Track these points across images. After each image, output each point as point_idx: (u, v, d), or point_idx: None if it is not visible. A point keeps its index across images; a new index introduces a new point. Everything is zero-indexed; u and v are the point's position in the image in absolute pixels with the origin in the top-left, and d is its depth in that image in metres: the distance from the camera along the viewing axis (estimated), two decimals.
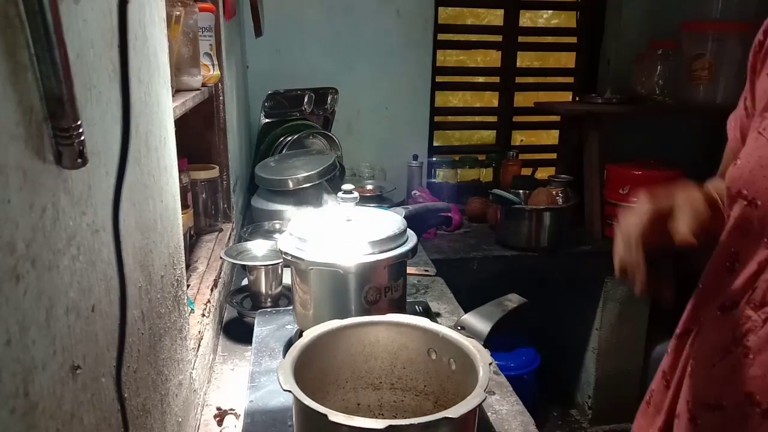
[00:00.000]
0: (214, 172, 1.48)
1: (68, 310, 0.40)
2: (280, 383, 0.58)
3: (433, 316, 1.27)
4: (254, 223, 1.68)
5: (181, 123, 0.95)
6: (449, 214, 1.45)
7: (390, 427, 0.51)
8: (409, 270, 1.29)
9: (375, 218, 0.99)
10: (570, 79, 2.88)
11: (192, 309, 1.07)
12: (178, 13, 1.08)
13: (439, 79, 2.69)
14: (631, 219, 0.70)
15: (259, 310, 1.20)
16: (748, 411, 0.65)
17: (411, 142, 2.58)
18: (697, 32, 2.38)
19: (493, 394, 1.04)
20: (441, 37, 2.64)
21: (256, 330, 1.11)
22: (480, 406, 0.57)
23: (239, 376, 1.10)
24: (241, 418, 0.90)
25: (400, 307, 0.97)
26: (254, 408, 0.88)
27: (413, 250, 0.95)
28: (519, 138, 3.13)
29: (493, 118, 2.87)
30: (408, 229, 0.98)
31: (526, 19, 2.95)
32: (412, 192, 2.42)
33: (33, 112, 0.35)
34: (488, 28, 2.89)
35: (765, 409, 0.64)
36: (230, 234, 1.54)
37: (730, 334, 0.68)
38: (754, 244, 0.66)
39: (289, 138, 2.00)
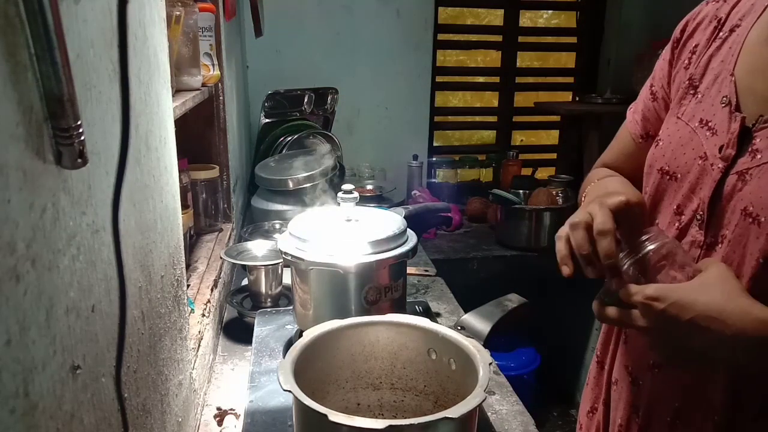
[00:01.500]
0: (214, 172, 1.48)
1: (68, 310, 0.40)
2: (280, 383, 0.58)
3: (433, 316, 1.27)
4: (254, 223, 1.68)
5: (181, 123, 0.95)
6: (449, 214, 1.45)
7: (390, 427, 0.51)
8: (409, 270, 1.30)
9: (375, 218, 0.98)
10: (570, 79, 2.88)
11: (192, 309, 1.07)
12: (178, 13, 1.08)
13: (439, 79, 2.69)
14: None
15: (259, 310, 1.20)
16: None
17: (411, 142, 2.58)
18: None
19: (493, 394, 1.04)
20: (441, 37, 2.64)
21: (256, 330, 1.11)
22: (480, 406, 0.57)
23: (239, 376, 1.10)
24: (241, 418, 0.90)
25: (400, 307, 0.97)
26: (254, 408, 0.88)
27: (413, 250, 0.95)
28: (519, 138, 3.14)
29: (493, 118, 2.87)
30: (408, 229, 0.98)
31: (526, 19, 2.95)
32: (412, 192, 2.42)
33: (33, 112, 0.35)
34: (488, 28, 2.89)
35: None
36: (230, 234, 1.54)
37: None
38: (670, 213, 0.75)
39: (289, 138, 2.00)
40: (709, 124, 0.71)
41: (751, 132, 0.67)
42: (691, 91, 0.76)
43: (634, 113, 0.90)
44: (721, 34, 0.75)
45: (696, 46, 0.78)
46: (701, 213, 0.70)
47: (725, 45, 0.73)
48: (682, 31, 0.82)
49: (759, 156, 0.65)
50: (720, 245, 0.68)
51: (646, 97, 0.87)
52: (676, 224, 0.73)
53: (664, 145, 0.77)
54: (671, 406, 0.74)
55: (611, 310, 0.66)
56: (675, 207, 0.74)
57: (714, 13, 0.77)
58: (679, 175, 0.74)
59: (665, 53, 0.84)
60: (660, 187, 0.77)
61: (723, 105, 0.70)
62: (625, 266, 0.67)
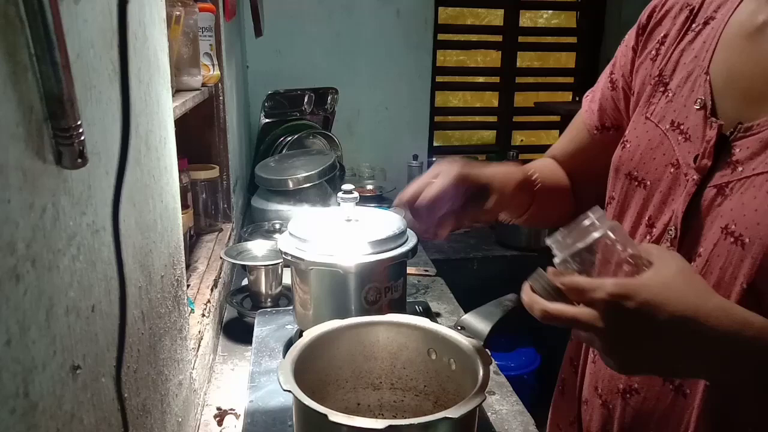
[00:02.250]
0: (214, 172, 1.48)
1: (68, 310, 0.40)
2: (280, 383, 0.58)
3: (433, 316, 1.27)
4: (254, 223, 1.68)
5: (181, 123, 0.95)
6: None
7: (390, 427, 0.51)
8: (409, 270, 1.29)
9: (375, 218, 0.98)
10: (570, 79, 2.88)
11: (192, 309, 1.07)
12: (178, 13, 1.08)
13: (439, 79, 2.69)
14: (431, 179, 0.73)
15: (259, 310, 1.20)
16: (664, 391, 0.64)
17: (411, 142, 2.58)
18: None
19: (493, 394, 1.04)
20: (441, 37, 2.64)
21: (256, 330, 1.11)
22: (480, 406, 0.57)
23: (239, 376, 1.10)
24: (241, 418, 0.90)
25: (400, 307, 0.97)
26: (254, 408, 0.88)
27: (413, 250, 0.95)
28: (519, 138, 3.13)
29: (493, 118, 2.87)
30: (408, 229, 0.98)
31: (526, 19, 2.95)
32: None
33: (33, 112, 0.35)
34: (488, 28, 2.89)
35: (678, 386, 0.63)
36: (230, 234, 1.54)
37: None
38: (641, 225, 0.69)
39: (289, 138, 2.00)
40: (681, 127, 0.65)
41: (729, 141, 0.60)
42: (661, 89, 0.69)
43: (590, 102, 0.83)
44: (693, 26, 0.68)
45: (665, 36, 0.71)
46: (673, 228, 0.63)
47: (699, 38, 0.67)
48: (649, 16, 0.75)
49: (740, 169, 0.58)
50: (693, 263, 0.61)
51: (605, 86, 0.80)
52: (647, 237, 0.67)
53: (632, 148, 0.71)
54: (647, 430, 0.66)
55: (558, 308, 0.56)
56: (647, 218, 0.68)
57: (685, 0, 0.70)
58: (648, 182, 0.68)
59: (628, 39, 0.78)
60: (628, 193, 0.71)
61: (697, 108, 0.64)
62: (561, 258, 0.58)
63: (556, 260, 0.59)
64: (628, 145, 0.72)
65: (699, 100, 0.64)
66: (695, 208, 0.61)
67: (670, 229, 0.64)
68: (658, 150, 0.67)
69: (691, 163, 0.63)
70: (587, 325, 0.53)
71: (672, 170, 0.65)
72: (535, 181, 0.81)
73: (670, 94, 0.68)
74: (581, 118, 0.85)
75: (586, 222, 0.57)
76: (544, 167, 0.88)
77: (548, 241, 0.60)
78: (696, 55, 0.66)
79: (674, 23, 0.70)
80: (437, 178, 0.72)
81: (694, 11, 0.68)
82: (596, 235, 0.56)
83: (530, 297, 0.59)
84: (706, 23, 0.67)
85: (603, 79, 0.81)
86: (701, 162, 0.61)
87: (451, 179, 0.71)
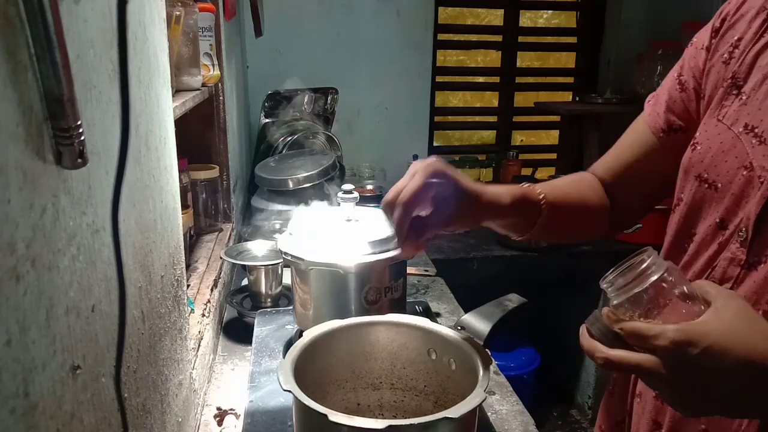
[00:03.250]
0: (214, 172, 1.48)
1: (68, 310, 0.40)
2: (280, 383, 0.58)
3: (433, 316, 1.27)
4: (254, 223, 1.68)
5: (181, 123, 0.95)
6: None
7: (390, 427, 0.51)
8: (409, 270, 1.29)
9: (375, 218, 0.98)
10: (570, 79, 2.88)
11: (192, 309, 1.07)
12: (178, 13, 1.08)
13: (439, 79, 2.69)
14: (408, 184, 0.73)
15: (259, 310, 1.20)
16: None
17: (411, 142, 2.58)
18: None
19: (493, 394, 1.04)
20: (441, 37, 2.64)
21: (256, 330, 1.11)
22: (480, 406, 0.57)
23: (239, 376, 1.10)
24: (241, 418, 0.90)
25: (400, 307, 0.97)
26: (254, 408, 0.88)
27: None
28: (519, 138, 3.13)
29: (493, 118, 2.87)
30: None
31: (526, 19, 2.95)
32: None
33: (33, 112, 0.35)
34: (488, 28, 2.89)
35: None
36: (230, 234, 1.54)
37: None
38: (711, 226, 0.68)
39: (289, 138, 2.00)
40: (756, 130, 0.64)
41: None
42: (734, 91, 0.69)
43: (654, 105, 0.82)
44: None
45: (739, 39, 0.70)
46: (744, 230, 0.63)
47: None
48: (723, 19, 0.74)
49: None
50: (762, 265, 0.61)
51: (672, 88, 0.79)
52: (719, 239, 0.67)
53: (703, 150, 0.70)
54: (696, 428, 0.67)
55: (621, 355, 0.55)
56: (718, 221, 0.67)
57: (762, 4, 0.69)
58: (719, 185, 0.67)
59: (700, 41, 0.76)
60: (697, 196, 0.70)
61: None
62: (618, 302, 0.57)
63: (612, 303, 0.58)
64: (698, 147, 0.71)
65: None
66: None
67: (741, 231, 0.64)
68: (731, 153, 0.67)
69: (766, 165, 0.62)
70: (651, 372, 0.53)
71: (745, 173, 0.65)
72: (541, 199, 0.80)
73: (744, 97, 0.67)
74: (643, 122, 0.83)
75: (642, 265, 0.56)
76: (568, 185, 0.87)
77: (602, 284, 0.59)
78: None
79: (750, 26, 0.70)
80: (414, 176, 0.73)
81: None
82: (653, 278, 0.55)
83: (590, 343, 0.58)
84: None
85: (669, 81, 0.81)
86: None
87: (427, 173, 0.71)
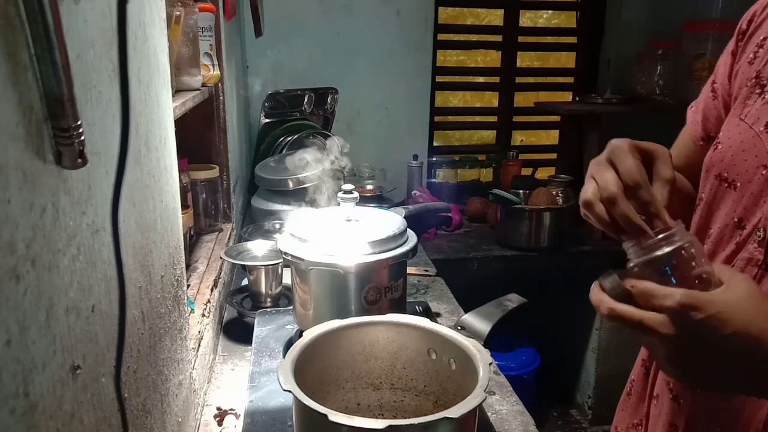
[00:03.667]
0: (214, 172, 1.48)
1: (68, 310, 0.40)
2: (280, 383, 0.58)
3: (433, 316, 1.27)
4: (254, 223, 1.68)
5: (181, 123, 0.95)
6: (449, 214, 1.45)
7: (390, 427, 0.51)
8: (409, 270, 1.29)
9: (375, 218, 0.98)
10: (570, 79, 2.88)
11: (192, 309, 1.07)
12: (178, 13, 1.08)
13: (439, 79, 2.69)
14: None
15: (259, 310, 1.20)
16: None
17: (411, 142, 2.58)
18: (697, 32, 2.38)
19: (493, 394, 1.04)
20: (441, 37, 2.64)
21: (256, 330, 1.11)
22: (480, 406, 0.57)
23: (239, 376, 1.10)
24: (241, 418, 0.90)
25: (400, 307, 0.97)
26: (254, 408, 0.88)
27: (413, 250, 0.95)
28: (519, 138, 3.13)
29: (493, 118, 2.87)
30: (408, 229, 0.98)
31: (526, 19, 2.95)
32: (412, 192, 2.42)
33: (33, 112, 0.35)
34: (488, 28, 2.89)
35: None
36: (230, 234, 1.54)
37: None
38: (728, 225, 0.68)
39: (289, 138, 2.00)
40: None
41: None
42: (757, 90, 0.68)
43: (694, 113, 0.82)
44: None
45: (764, 39, 0.70)
46: (762, 229, 0.63)
47: None
48: (749, 21, 0.73)
49: None
50: None
51: (707, 96, 0.79)
52: (736, 238, 0.66)
53: (723, 149, 0.70)
54: (712, 429, 0.67)
55: (626, 308, 0.56)
56: (735, 220, 0.67)
57: None
58: (738, 184, 0.67)
59: (729, 46, 0.76)
60: (717, 194, 0.70)
61: None
62: (635, 263, 0.59)
63: (630, 264, 0.59)
64: (719, 146, 0.71)
65: None
66: None
67: (759, 231, 0.63)
68: (750, 152, 0.66)
69: None
70: (652, 330, 0.54)
71: (764, 172, 0.64)
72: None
73: (767, 96, 0.66)
74: (687, 130, 0.83)
75: (667, 232, 0.57)
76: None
77: (624, 245, 0.60)
78: None
79: None
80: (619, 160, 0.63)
81: None
82: (674, 246, 0.57)
83: (598, 295, 0.59)
84: None
85: (706, 89, 0.80)
86: None
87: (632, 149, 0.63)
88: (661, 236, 0.57)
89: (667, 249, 0.57)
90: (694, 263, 0.57)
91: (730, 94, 0.75)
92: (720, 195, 0.70)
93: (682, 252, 0.57)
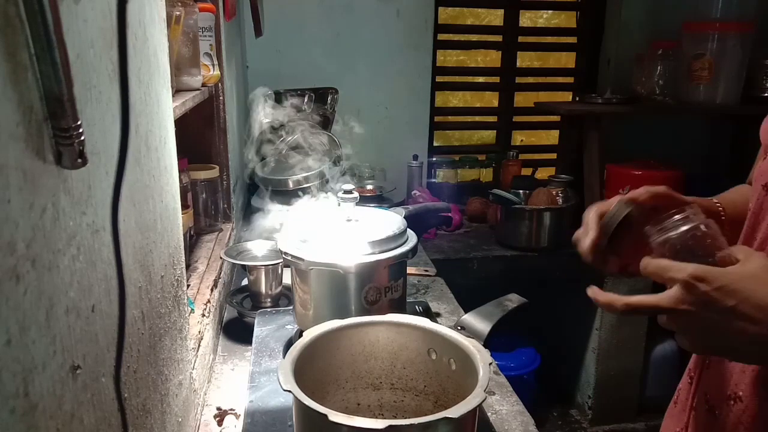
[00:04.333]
0: (214, 172, 1.48)
1: (68, 310, 0.40)
2: (280, 383, 0.58)
3: (433, 316, 1.27)
4: (254, 224, 1.67)
5: (181, 123, 0.95)
6: (449, 214, 1.45)
7: (390, 427, 0.51)
8: (409, 270, 1.30)
9: (375, 218, 0.98)
10: (570, 79, 2.88)
11: (192, 309, 1.07)
12: (178, 13, 1.08)
13: (439, 79, 2.69)
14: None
15: (259, 310, 1.20)
16: (764, 399, 0.66)
17: (411, 142, 2.58)
18: (697, 32, 2.38)
19: (493, 394, 1.04)
20: (441, 37, 2.64)
21: (256, 330, 1.11)
22: (480, 406, 0.57)
23: (239, 376, 1.10)
24: (241, 418, 0.90)
25: (400, 307, 0.97)
26: (254, 408, 0.88)
27: (413, 250, 0.95)
28: (519, 138, 3.13)
29: (493, 118, 2.87)
30: (408, 229, 0.98)
31: (526, 19, 2.95)
32: (412, 192, 2.42)
33: (33, 112, 0.35)
34: (488, 28, 2.89)
35: None
36: (230, 234, 1.54)
37: None
38: (766, 233, 0.69)
39: (289, 138, 2.00)
40: None
41: None
42: None
43: (765, 122, 0.81)
44: None
45: None
46: None
47: None
48: None
49: None
50: None
51: None
52: None
53: None
54: None
55: (639, 298, 0.60)
56: None
57: None
58: None
59: None
60: (763, 204, 0.70)
61: None
62: (655, 242, 0.62)
63: (652, 243, 0.63)
64: None
65: None
66: None
67: None
68: None
69: None
70: (668, 309, 0.58)
71: None
72: (721, 212, 0.79)
73: None
74: (762, 143, 0.83)
75: (682, 214, 0.62)
76: (737, 195, 0.85)
77: (646, 230, 0.64)
78: None
79: None
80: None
81: None
82: (688, 226, 0.61)
83: (606, 296, 0.62)
84: None
85: None
86: None
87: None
88: (677, 217, 0.61)
89: (681, 229, 0.61)
90: (710, 241, 0.60)
91: None
92: (762, 204, 0.70)
93: (697, 232, 0.60)
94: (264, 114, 1.99)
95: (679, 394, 0.86)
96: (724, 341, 0.58)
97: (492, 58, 2.85)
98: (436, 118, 2.74)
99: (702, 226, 0.61)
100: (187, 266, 1.23)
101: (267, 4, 2.24)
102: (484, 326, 0.90)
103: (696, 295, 0.55)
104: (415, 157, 2.50)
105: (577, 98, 2.75)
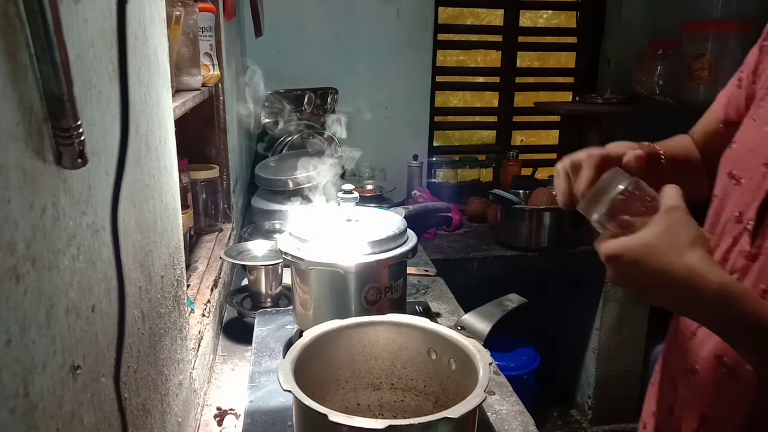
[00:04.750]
0: (214, 172, 1.48)
1: (68, 310, 0.40)
2: (280, 383, 0.58)
3: (433, 316, 1.27)
4: (254, 223, 1.68)
5: (181, 123, 0.95)
6: (449, 214, 1.45)
7: (390, 427, 0.51)
8: (409, 270, 1.30)
9: (375, 218, 0.99)
10: (570, 79, 2.88)
11: (192, 309, 1.07)
12: (178, 13, 1.08)
13: (439, 79, 2.69)
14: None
15: (259, 310, 1.20)
16: (718, 373, 0.70)
17: (411, 142, 2.58)
18: (697, 32, 2.38)
19: (493, 394, 1.04)
20: (441, 37, 2.64)
21: (256, 330, 1.11)
22: (480, 406, 0.57)
23: (239, 376, 1.10)
24: (241, 418, 0.90)
25: (400, 307, 0.97)
26: (254, 408, 0.88)
27: (413, 250, 0.95)
28: (519, 138, 3.13)
29: (493, 118, 2.87)
30: (408, 229, 0.98)
31: (526, 19, 2.95)
32: (412, 192, 2.42)
33: (33, 112, 0.35)
34: (488, 28, 2.89)
35: (731, 369, 0.68)
36: (230, 234, 1.54)
37: None
38: (730, 220, 0.72)
39: (289, 138, 2.00)
40: None
41: None
42: None
43: (721, 96, 0.85)
44: None
45: None
46: (751, 221, 0.67)
47: None
48: None
49: None
50: (762, 256, 0.65)
51: (733, 82, 0.82)
52: (734, 232, 0.70)
53: (736, 148, 0.74)
54: (698, 413, 0.73)
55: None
56: (737, 214, 0.70)
57: None
58: (743, 180, 0.71)
59: (759, 40, 0.78)
60: (727, 191, 0.74)
61: None
62: (595, 217, 0.66)
63: (593, 218, 0.67)
64: (733, 146, 0.74)
65: None
66: None
67: (749, 223, 0.68)
68: (758, 150, 0.69)
69: None
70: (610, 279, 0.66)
71: (764, 169, 0.67)
72: (661, 156, 0.83)
73: None
74: (713, 108, 0.87)
75: (601, 183, 0.65)
76: (675, 143, 0.89)
77: (578, 208, 0.69)
78: None
79: None
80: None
81: None
82: (613, 192, 0.64)
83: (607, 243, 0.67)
84: None
85: (735, 76, 0.83)
86: None
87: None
88: (597, 186, 0.65)
89: (606, 200, 0.65)
90: (637, 201, 0.64)
91: (752, 88, 0.77)
92: (729, 191, 0.73)
93: (621, 196, 0.64)
94: (264, 114, 1.99)
95: (654, 375, 0.90)
96: (649, 295, 0.65)
97: (492, 58, 2.85)
98: (436, 118, 2.74)
99: (629, 187, 0.64)
100: (187, 266, 1.23)
101: (267, 4, 2.24)
102: (484, 326, 0.90)
103: (616, 267, 0.63)
104: (415, 157, 2.50)
105: (577, 98, 2.75)
